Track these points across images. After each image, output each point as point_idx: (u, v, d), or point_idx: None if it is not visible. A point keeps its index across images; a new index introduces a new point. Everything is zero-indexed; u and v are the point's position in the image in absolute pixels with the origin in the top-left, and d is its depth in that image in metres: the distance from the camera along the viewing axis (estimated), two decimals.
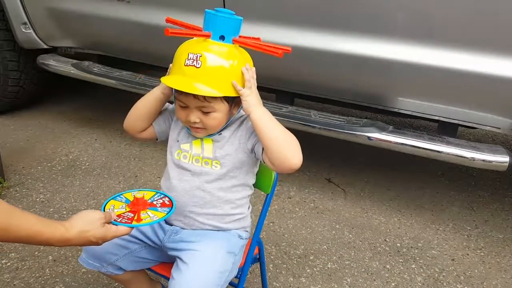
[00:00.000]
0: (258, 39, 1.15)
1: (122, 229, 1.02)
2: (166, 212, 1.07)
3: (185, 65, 1.07)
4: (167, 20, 1.17)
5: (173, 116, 1.27)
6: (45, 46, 2.82)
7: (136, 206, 1.08)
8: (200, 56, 1.06)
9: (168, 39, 1.12)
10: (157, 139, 1.31)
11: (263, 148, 1.12)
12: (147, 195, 1.14)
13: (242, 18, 1.13)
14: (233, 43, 1.12)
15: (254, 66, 1.15)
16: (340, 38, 1.93)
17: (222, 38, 1.10)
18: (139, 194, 1.11)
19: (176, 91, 1.11)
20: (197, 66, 1.06)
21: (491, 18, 1.65)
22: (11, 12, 2.67)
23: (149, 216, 1.05)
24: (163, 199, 1.13)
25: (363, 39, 1.89)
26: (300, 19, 1.98)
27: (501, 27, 1.65)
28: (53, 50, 2.93)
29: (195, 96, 1.09)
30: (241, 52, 1.13)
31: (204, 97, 1.08)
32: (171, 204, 1.10)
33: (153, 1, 2.33)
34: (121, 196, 1.13)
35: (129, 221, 1.03)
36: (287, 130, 1.11)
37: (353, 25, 1.90)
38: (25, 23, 2.70)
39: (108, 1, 2.45)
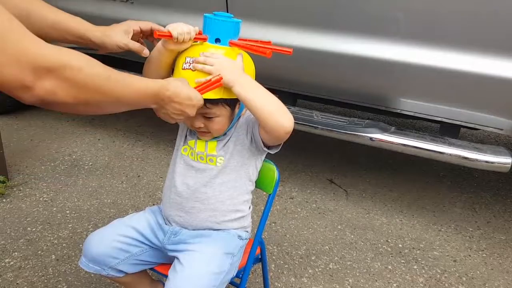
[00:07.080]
0: (268, 42, 1.14)
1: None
2: None
3: (182, 69, 1.09)
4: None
5: None
6: None
7: None
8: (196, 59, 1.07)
9: None
10: None
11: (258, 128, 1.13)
12: None
13: (240, 20, 1.13)
14: (230, 46, 1.12)
15: (255, 66, 1.15)
16: (342, 39, 1.93)
17: (218, 41, 1.11)
18: None
19: None
20: (193, 69, 1.07)
21: (493, 18, 1.65)
22: None
23: None
24: None
25: (365, 40, 1.89)
26: (303, 20, 1.98)
27: (503, 28, 1.65)
28: None
29: None
30: (237, 54, 1.12)
31: (205, 103, 1.08)
32: None
33: (156, 2, 2.34)
34: None
35: None
36: (271, 95, 1.10)
37: (355, 26, 1.90)
38: None
39: (111, 2, 2.46)
